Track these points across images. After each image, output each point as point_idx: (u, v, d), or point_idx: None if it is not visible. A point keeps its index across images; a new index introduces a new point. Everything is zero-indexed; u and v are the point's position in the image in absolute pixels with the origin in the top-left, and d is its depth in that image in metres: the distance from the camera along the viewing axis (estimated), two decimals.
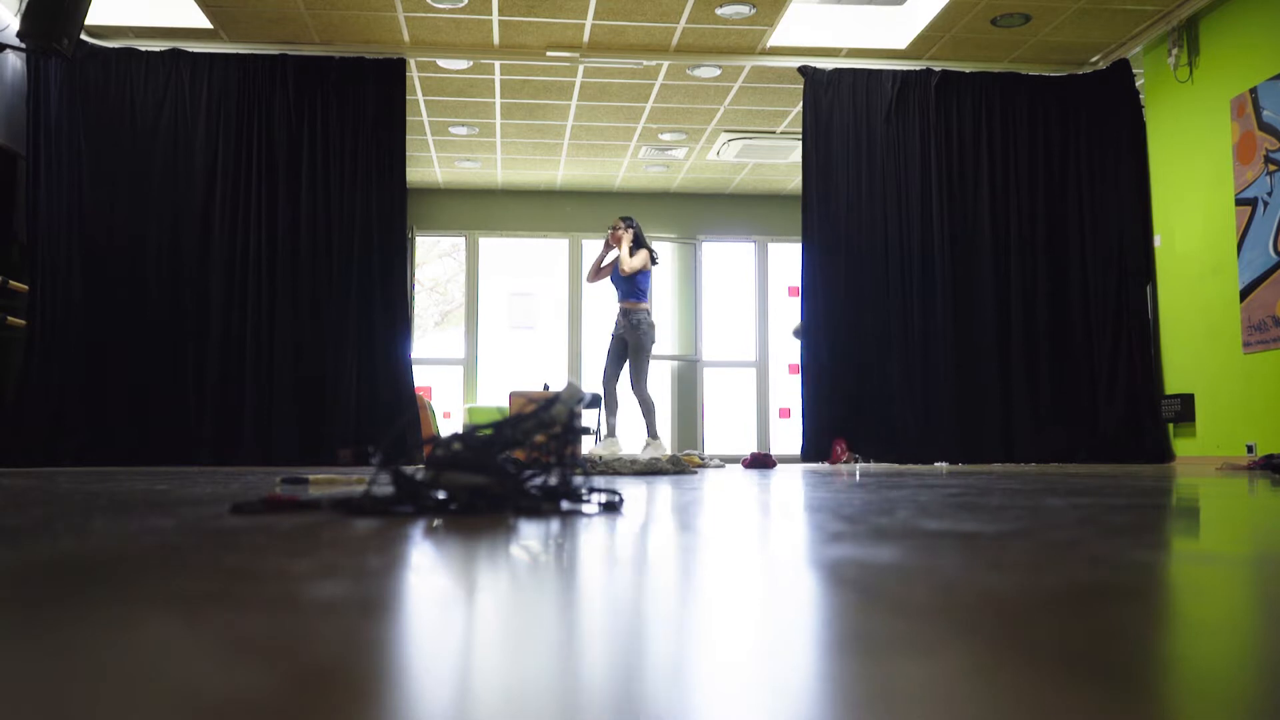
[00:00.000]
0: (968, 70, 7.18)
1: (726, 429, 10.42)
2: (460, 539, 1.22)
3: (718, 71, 7.38)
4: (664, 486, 3.13)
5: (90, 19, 5.91)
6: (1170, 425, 6.68)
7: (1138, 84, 7.18)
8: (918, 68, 7.17)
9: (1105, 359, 6.94)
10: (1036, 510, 1.79)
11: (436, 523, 1.43)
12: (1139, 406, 6.81)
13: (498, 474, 1.59)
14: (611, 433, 6.59)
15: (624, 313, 6.69)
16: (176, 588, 0.84)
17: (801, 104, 7.27)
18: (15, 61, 6.52)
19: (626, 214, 7.47)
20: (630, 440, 6.93)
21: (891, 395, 6.92)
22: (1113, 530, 1.42)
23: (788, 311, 10.22)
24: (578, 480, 1.72)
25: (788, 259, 10.21)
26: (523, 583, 0.88)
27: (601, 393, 6.69)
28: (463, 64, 7.24)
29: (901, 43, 6.96)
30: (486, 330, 10.44)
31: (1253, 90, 5.89)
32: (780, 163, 9.41)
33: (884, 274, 7.03)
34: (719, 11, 6.44)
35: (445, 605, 0.76)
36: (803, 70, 7.14)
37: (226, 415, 6.59)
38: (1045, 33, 6.74)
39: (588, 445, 6.31)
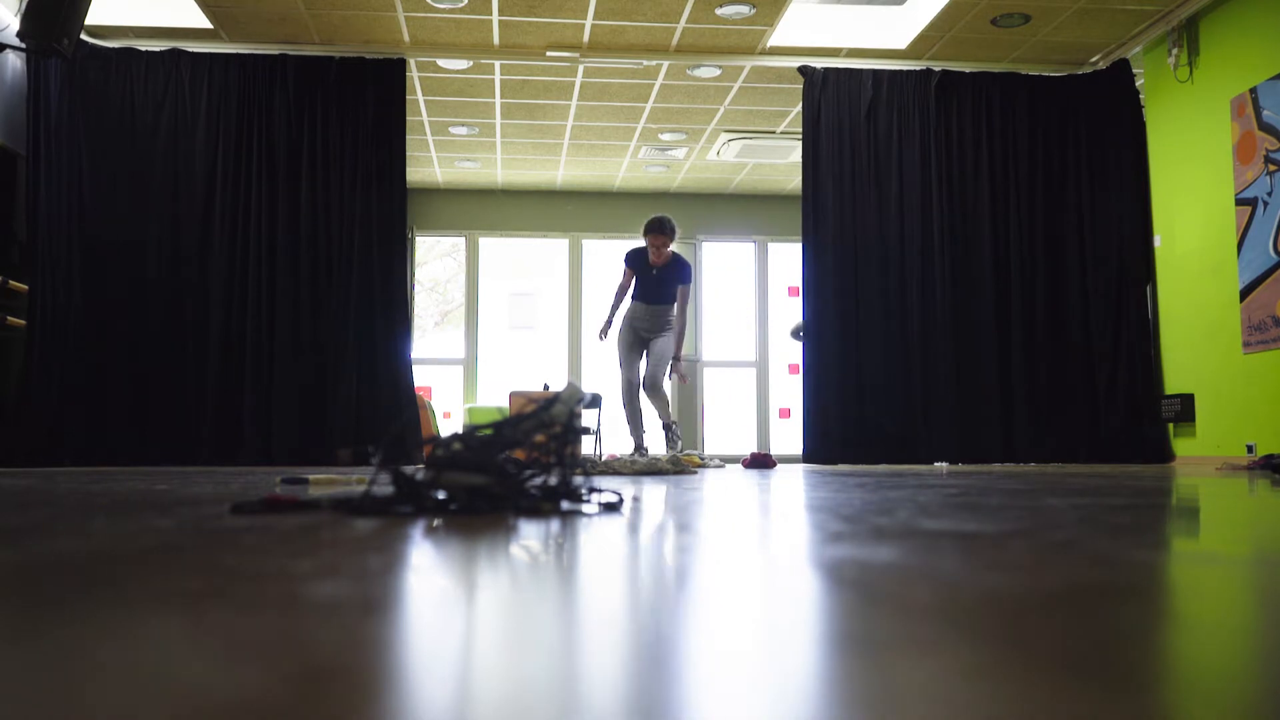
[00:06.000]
0: (968, 70, 7.18)
1: (726, 429, 10.42)
2: (460, 539, 1.22)
3: (718, 71, 7.38)
4: (664, 487, 3.13)
5: (90, 19, 5.91)
6: (1170, 425, 6.68)
7: (1138, 84, 7.18)
8: (918, 68, 7.17)
9: (1105, 359, 6.94)
10: (1036, 510, 1.79)
11: (436, 523, 1.43)
12: (1139, 406, 6.81)
13: (498, 474, 1.59)
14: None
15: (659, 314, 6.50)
16: (176, 588, 0.84)
17: (801, 104, 7.27)
18: (15, 61, 6.52)
19: (658, 218, 6.47)
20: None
21: (892, 395, 6.92)
22: (1113, 530, 1.42)
23: (788, 311, 10.22)
24: (578, 480, 1.72)
25: (788, 259, 10.22)
26: (523, 583, 0.88)
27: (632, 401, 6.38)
28: (463, 64, 7.24)
29: (901, 43, 6.96)
30: (486, 330, 10.44)
31: (1253, 90, 5.89)
32: (780, 163, 9.41)
33: (884, 274, 7.03)
34: (719, 11, 6.43)
35: (445, 605, 0.76)
36: (802, 70, 7.14)
37: (226, 415, 6.59)
38: (1045, 33, 6.74)
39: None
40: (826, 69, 7.14)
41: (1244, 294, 5.92)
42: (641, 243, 6.52)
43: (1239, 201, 5.99)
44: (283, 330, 6.69)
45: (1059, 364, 7.00)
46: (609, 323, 6.59)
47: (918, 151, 7.11)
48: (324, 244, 6.82)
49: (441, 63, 7.21)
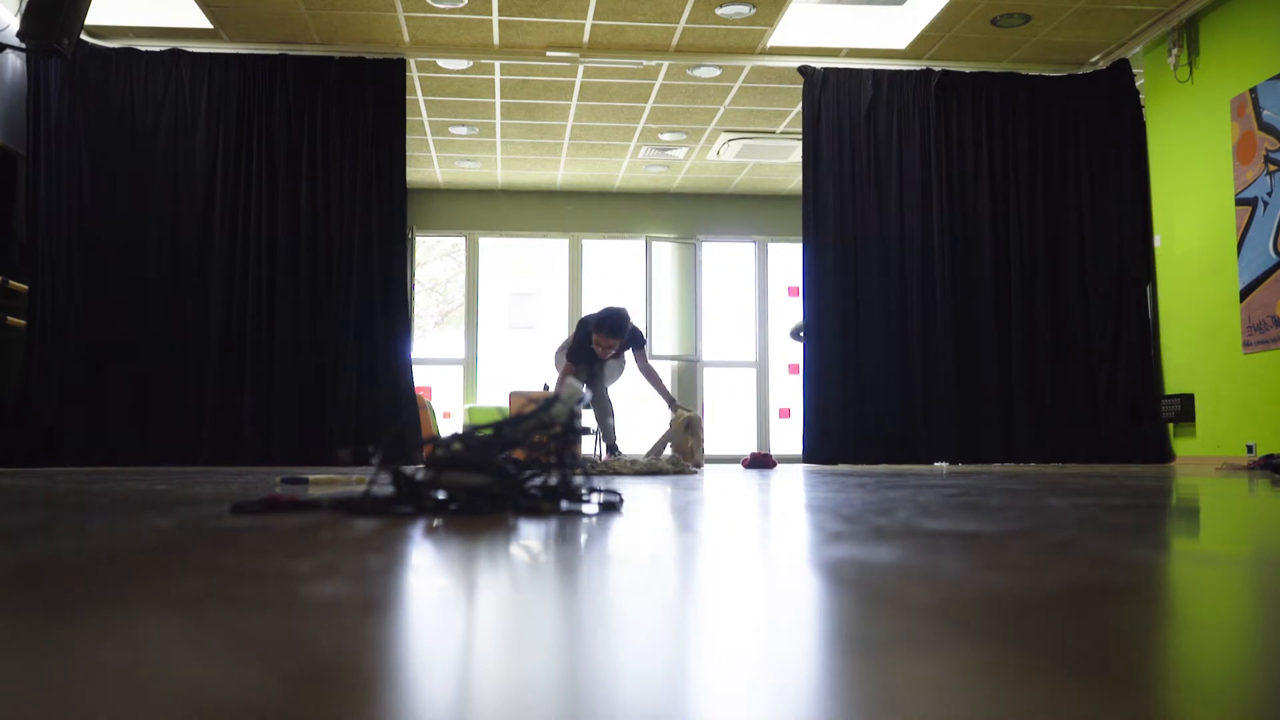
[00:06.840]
0: (968, 70, 7.18)
1: (726, 429, 10.42)
2: (460, 539, 1.22)
3: (718, 71, 7.37)
4: (664, 487, 3.13)
5: (90, 19, 5.91)
6: (1170, 425, 6.68)
7: (1138, 84, 7.18)
8: (918, 68, 7.17)
9: (1105, 359, 6.94)
10: (1036, 510, 1.79)
11: (436, 523, 1.43)
12: (1139, 406, 6.80)
13: (498, 474, 1.59)
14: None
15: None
16: (176, 588, 0.84)
17: (801, 104, 7.27)
18: (15, 61, 6.51)
19: (619, 318, 5.75)
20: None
21: (892, 395, 6.91)
22: (1113, 530, 1.42)
23: (788, 311, 10.22)
24: (578, 480, 1.72)
25: (788, 259, 10.22)
26: (523, 583, 0.88)
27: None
28: (463, 64, 7.24)
29: (901, 43, 6.96)
30: (486, 330, 10.44)
31: (1253, 90, 5.89)
32: (780, 163, 9.41)
33: (884, 274, 7.03)
34: (719, 11, 6.43)
35: (445, 605, 0.76)
36: (802, 70, 7.14)
37: (226, 415, 6.58)
38: (1045, 33, 6.74)
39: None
40: (826, 69, 7.14)
41: (1244, 294, 5.92)
42: (573, 329, 5.88)
43: (1239, 201, 5.99)
44: (283, 330, 6.69)
45: (1059, 364, 6.99)
46: None
47: (918, 151, 7.10)
48: (324, 244, 6.82)
49: (441, 63, 7.21)
